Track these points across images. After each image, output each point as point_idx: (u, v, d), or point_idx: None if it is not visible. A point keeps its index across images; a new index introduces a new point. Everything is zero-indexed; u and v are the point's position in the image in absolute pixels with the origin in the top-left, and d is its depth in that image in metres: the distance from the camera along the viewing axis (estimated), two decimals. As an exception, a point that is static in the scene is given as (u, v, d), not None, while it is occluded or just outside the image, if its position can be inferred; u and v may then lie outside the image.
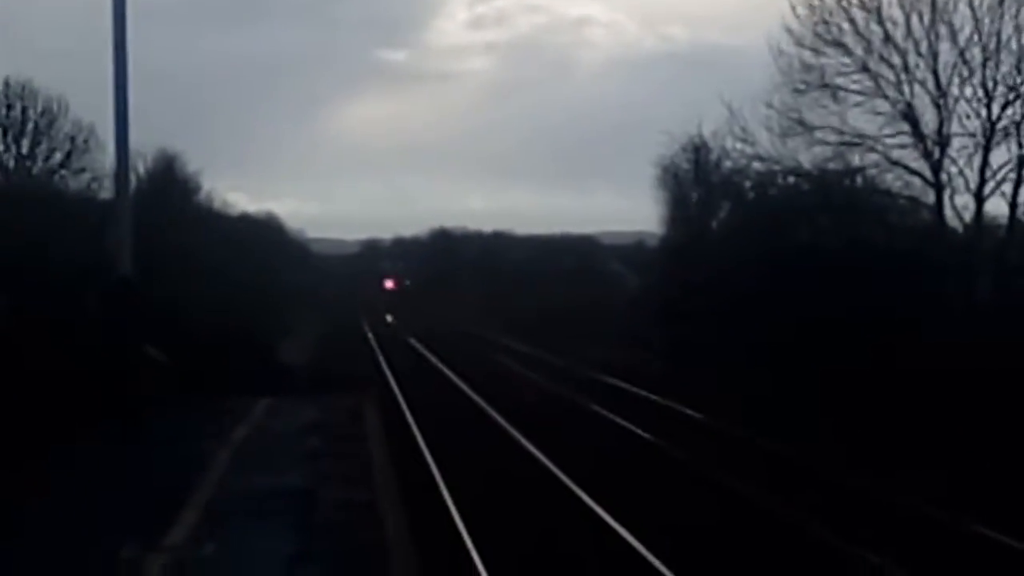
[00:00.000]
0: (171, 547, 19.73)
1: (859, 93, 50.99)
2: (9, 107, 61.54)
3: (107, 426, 30.43)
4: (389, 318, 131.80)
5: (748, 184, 61.04)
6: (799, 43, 51.70)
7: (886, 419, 37.39)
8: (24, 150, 61.64)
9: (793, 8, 51.75)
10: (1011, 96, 48.82)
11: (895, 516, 28.37)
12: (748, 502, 29.66)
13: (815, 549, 25.66)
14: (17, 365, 26.76)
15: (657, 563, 23.60)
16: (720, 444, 38.84)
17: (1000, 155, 49.39)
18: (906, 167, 50.92)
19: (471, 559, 23.02)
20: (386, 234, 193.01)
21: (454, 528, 25.91)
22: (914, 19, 50.06)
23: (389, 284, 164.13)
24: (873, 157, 51.55)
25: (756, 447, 37.63)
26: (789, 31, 51.99)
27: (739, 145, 57.21)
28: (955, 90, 49.87)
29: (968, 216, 50.40)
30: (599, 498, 29.36)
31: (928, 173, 50.41)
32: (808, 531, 26.80)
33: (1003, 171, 49.32)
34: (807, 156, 52.79)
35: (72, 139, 61.60)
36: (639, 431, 41.76)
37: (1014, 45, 48.93)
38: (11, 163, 61.12)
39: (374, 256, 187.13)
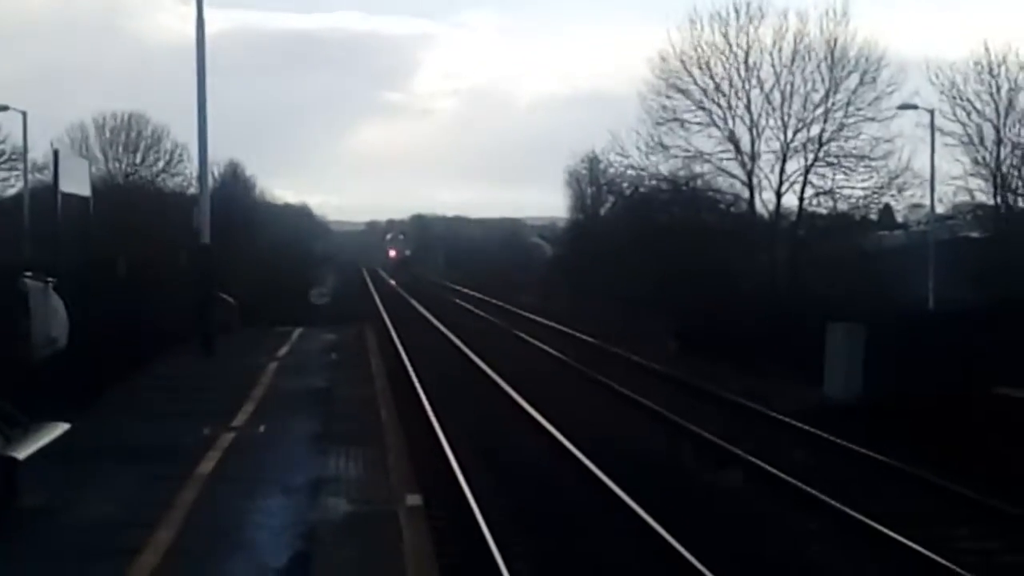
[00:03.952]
0: (236, 427, 18.76)
1: (698, 124, 51.35)
2: (128, 131, 62.28)
3: (192, 345, 30.29)
4: (381, 272, 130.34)
5: (625, 185, 61.15)
6: (657, 91, 52.53)
7: (712, 337, 37.68)
8: (138, 160, 62.41)
9: (651, 68, 52.93)
10: (799, 126, 49.81)
11: (701, 394, 29.01)
12: (609, 388, 30.13)
13: (647, 411, 26.19)
14: (135, 304, 26.58)
15: (532, 410, 23.93)
16: (602, 356, 38.90)
17: (792, 165, 50.33)
18: (730, 174, 51.57)
19: (431, 422, 23.10)
20: (381, 217, 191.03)
21: (418, 398, 26.46)
22: (734, 74, 51.02)
23: (392, 254, 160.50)
24: (708, 167, 52.09)
25: (624, 358, 37.73)
26: (650, 83, 53.03)
27: (619, 159, 58.25)
28: (763, 121, 50.69)
29: (771, 207, 51.47)
30: (516, 386, 29.53)
31: (744, 178, 51.19)
32: (642, 403, 27.21)
33: (794, 176, 50.35)
34: (665, 166, 53.35)
35: (171, 153, 62.18)
36: (546, 347, 42.07)
37: (801, 91, 50.04)
38: (129, 169, 61.89)
39: (374, 232, 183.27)
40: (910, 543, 14.18)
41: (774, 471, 19.09)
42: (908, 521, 15.24)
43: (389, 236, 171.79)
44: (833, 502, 16.64)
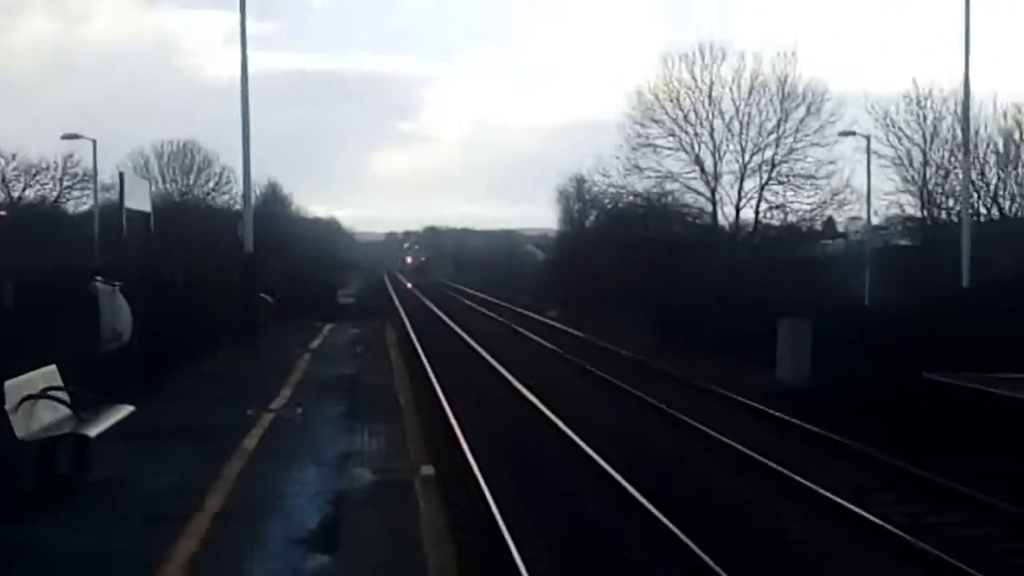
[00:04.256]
0: (275, 409, 18.94)
1: (669, 148, 52.15)
2: (183, 156, 62.36)
3: (239, 339, 30.19)
4: (399, 276, 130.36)
5: (607, 201, 61.10)
6: (634, 121, 52.74)
7: (693, 335, 37.16)
8: (191, 181, 62.47)
9: (629, 101, 53.36)
10: (755, 150, 50.44)
11: (664, 376, 28.63)
12: (602, 379, 29.58)
13: (617, 389, 26.09)
14: (193, 304, 26.49)
15: (524, 390, 23.78)
16: (587, 347, 38.72)
17: (749, 184, 51.10)
18: (696, 191, 52.43)
19: (439, 398, 22.98)
20: (399, 228, 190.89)
21: (430, 384, 25.82)
22: (699, 106, 51.40)
23: (409, 260, 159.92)
24: (677, 185, 52.68)
25: (606, 349, 37.59)
26: (628, 113, 53.26)
27: (601, 179, 58.66)
28: (724, 146, 51.43)
29: (731, 219, 52.09)
30: (510, 368, 29.55)
31: (708, 194, 52.17)
32: (613, 382, 27.07)
33: (750, 193, 51.06)
34: (640, 185, 53.82)
35: (219, 175, 62.10)
36: (539, 339, 41.88)
37: (756, 120, 50.38)
38: (183, 189, 61.97)
39: (392, 241, 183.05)
40: (834, 496, 14.31)
41: (722, 437, 19.28)
42: (840, 484, 15.22)
43: (406, 245, 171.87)
44: (766, 460, 16.87)
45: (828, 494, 14.56)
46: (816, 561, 12.22)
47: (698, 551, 11.68)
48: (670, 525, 12.83)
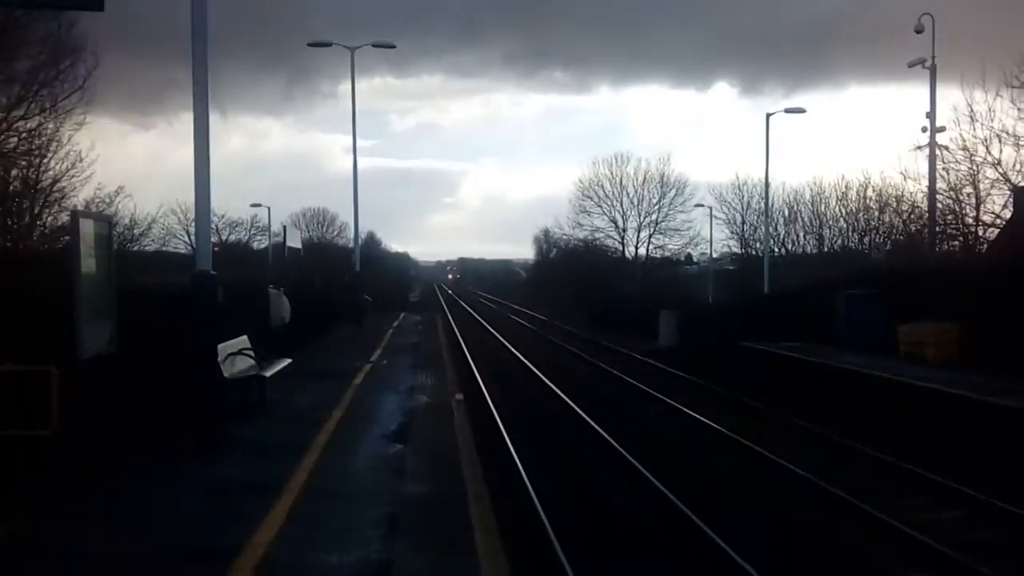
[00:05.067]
0: (372, 361, 18.14)
1: (597, 212, 51.94)
2: (318, 217, 61.28)
3: (349, 321, 29.12)
4: (443, 285, 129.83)
5: (562, 244, 60.94)
6: (578, 197, 52.72)
7: (611, 320, 36.91)
8: (323, 231, 60.89)
9: (575, 185, 53.14)
10: (646, 215, 50.45)
11: (591, 341, 28.08)
12: (560, 345, 29.41)
13: (573, 355, 25.57)
14: (324, 301, 26.24)
15: (511, 347, 23.37)
16: (548, 326, 38.21)
17: (643, 234, 51.07)
18: (613, 238, 51.95)
19: (467, 359, 21.84)
20: (444, 259, 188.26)
21: (461, 348, 24.97)
22: (615, 189, 51.36)
23: (450, 277, 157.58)
24: (602, 234, 52.42)
25: (559, 327, 37.06)
26: (575, 192, 53.15)
27: (558, 230, 58.33)
28: (629, 212, 51.20)
29: (632, 254, 51.60)
30: (516, 347, 29.05)
31: (620, 240, 51.61)
32: (579, 356, 26.70)
33: (643, 239, 50.87)
34: (581, 234, 53.45)
35: (339, 227, 61.00)
36: (525, 322, 41.72)
37: (646, 198, 50.29)
38: (317, 236, 60.89)
39: (440, 267, 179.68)
40: (679, 406, 14.52)
41: (619, 374, 19.43)
42: (690, 403, 15.18)
43: (448, 268, 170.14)
44: (643, 386, 17.10)
45: (677, 404, 14.89)
46: (665, 431, 13.10)
47: (590, 421, 12.87)
48: (575, 407, 14.16)
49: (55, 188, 18.56)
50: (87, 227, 7.37)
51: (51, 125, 17.49)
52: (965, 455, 9.91)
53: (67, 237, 10.98)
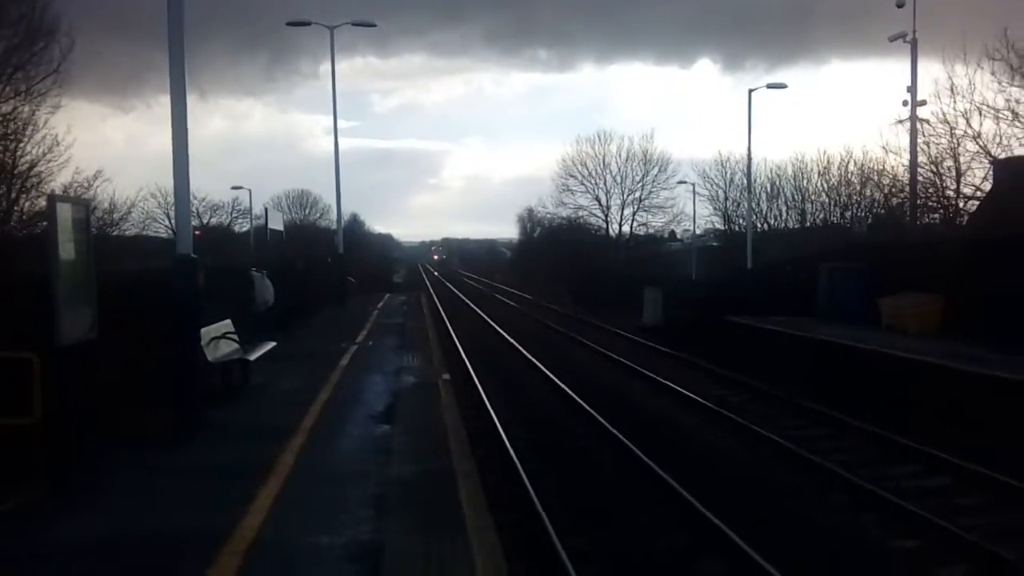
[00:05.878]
0: (357, 343, 17.88)
1: (581, 191, 52.14)
2: (301, 198, 61.27)
3: (333, 303, 28.91)
4: (427, 266, 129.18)
5: (546, 222, 61.15)
6: (561, 175, 52.62)
7: (595, 298, 36.98)
8: (305, 213, 61.28)
9: (558, 164, 53.06)
10: (629, 192, 50.43)
11: (575, 319, 28.50)
12: (545, 324, 29.30)
13: (558, 334, 25.56)
14: (307, 283, 25.82)
15: (495, 325, 23.34)
16: (532, 303, 38.20)
17: (626, 211, 51.40)
18: (596, 216, 52.14)
19: (453, 338, 22.20)
20: (428, 239, 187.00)
21: (447, 328, 25.18)
22: (598, 166, 51.42)
23: (435, 257, 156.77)
24: (585, 212, 52.69)
25: (542, 305, 37.09)
26: (558, 171, 53.02)
27: (542, 209, 58.53)
28: (612, 190, 51.32)
29: (616, 232, 51.65)
30: (489, 315, 29.08)
31: (603, 218, 51.73)
32: (560, 332, 26.50)
33: (627, 216, 50.94)
34: (564, 213, 53.80)
35: (322, 209, 60.97)
36: (510, 302, 41.29)
37: (630, 175, 50.27)
38: (300, 217, 60.63)
39: (424, 247, 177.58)
40: (666, 381, 14.52)
41: (605, 350, 19.49)
42: (673, 377, 15.32)
43: (433, 248, 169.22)
44: (629, 362, 17.24)
45: (665, 381, 14.85)
46: (652, 409, 13.01)
47: (576, 398, 12.88)
48: (562, 385, 14.18)
49: (32, 173, 18.25)
50: (64, 211, 7.18)
51: (26, 108, 17.19)
52: (938, 418, 10.44)
53: (45, 223, 10.76)
